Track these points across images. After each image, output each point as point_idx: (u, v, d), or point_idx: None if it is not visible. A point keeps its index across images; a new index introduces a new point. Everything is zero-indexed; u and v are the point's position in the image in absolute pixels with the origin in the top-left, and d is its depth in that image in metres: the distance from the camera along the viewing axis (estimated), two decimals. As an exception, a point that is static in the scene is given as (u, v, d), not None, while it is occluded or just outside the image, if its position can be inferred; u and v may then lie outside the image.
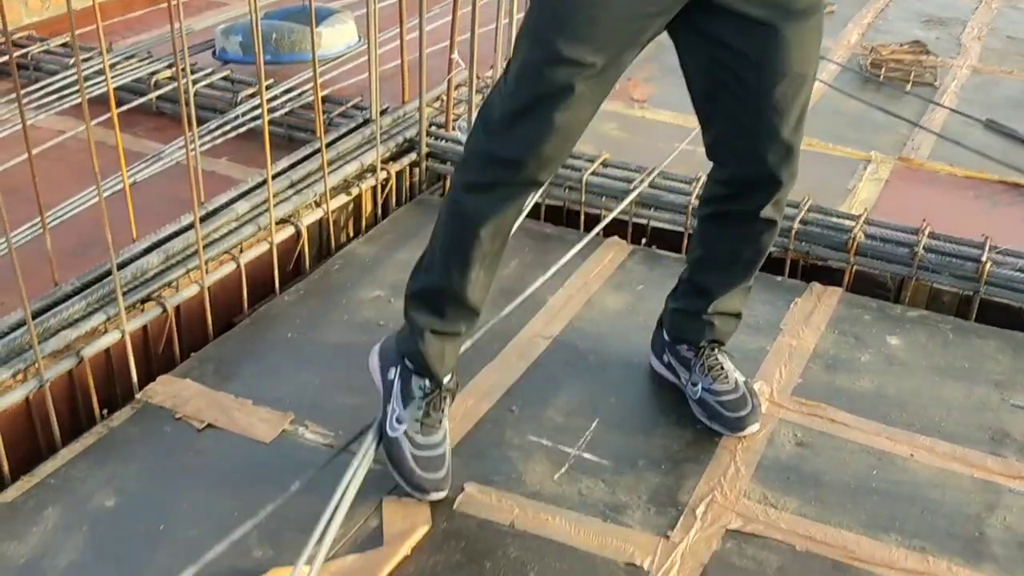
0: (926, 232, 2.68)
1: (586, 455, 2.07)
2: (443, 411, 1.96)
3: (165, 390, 2.24)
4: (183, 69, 2.61)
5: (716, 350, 2.15)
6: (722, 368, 2.12)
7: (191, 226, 2.54)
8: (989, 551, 1.86)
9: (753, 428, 2.08)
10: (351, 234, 3.04)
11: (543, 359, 2.35)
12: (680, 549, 1.84)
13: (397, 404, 1.97)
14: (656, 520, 1.91)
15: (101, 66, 3.62)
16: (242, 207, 2.69)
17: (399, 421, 1.95)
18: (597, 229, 2.78)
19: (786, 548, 1.85)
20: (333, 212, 2.89)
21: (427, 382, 1.94)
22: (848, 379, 2.31)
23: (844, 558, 1.83)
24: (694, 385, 2.14)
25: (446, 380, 1.97)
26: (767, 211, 1.92)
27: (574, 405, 2.19)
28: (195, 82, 3.58)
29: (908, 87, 3.96)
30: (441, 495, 1.91)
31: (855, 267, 2.71)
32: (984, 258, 2.58)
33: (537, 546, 1.85)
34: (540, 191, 2.08)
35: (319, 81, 2.74)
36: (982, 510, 1.95)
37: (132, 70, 3.68)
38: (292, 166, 2.90)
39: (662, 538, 1.87)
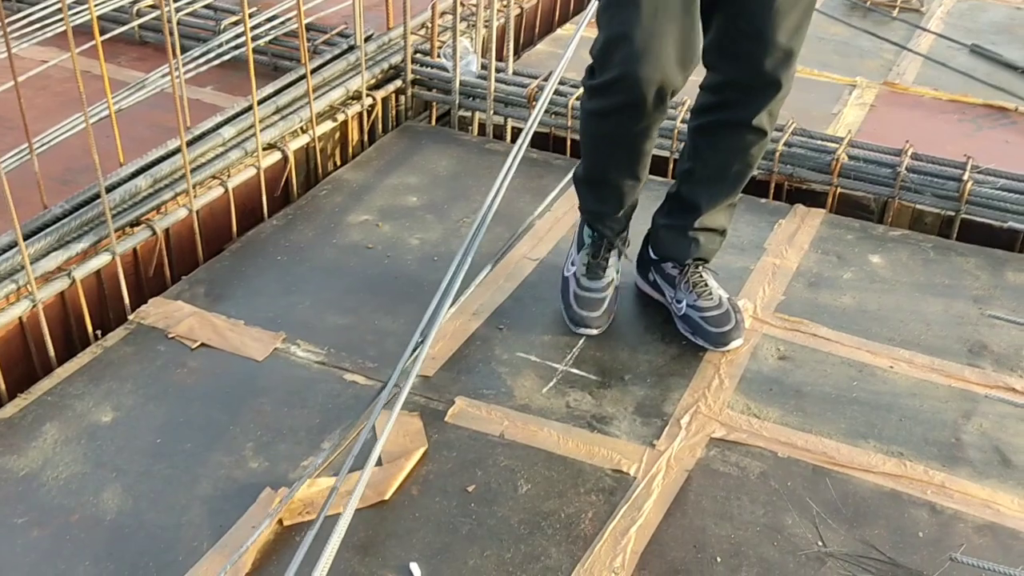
0: (908, 153, 2.71)
1: (573, 370, 2.11)
2: (607, 261, 2.19)
3: (157, 311, 2.26)
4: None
5: (701, 267, 2.18)
6: (706, 285, 2.16)
7: (178, 150, 2.55)
8: (965, 455, 1.92)
9: (736, 343, 2.13)
10: (338, 161, 3.05)
11: (530, 279, 2.38)
12: (665, 456, 1.89)
13: (574, 248, 2.26)
14: (642, 430, 1.96)
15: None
16: (228, 132, 2.69)
17: (572, 264, 2.23)
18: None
19: (768, 455, 1.91)
20: (320, 138, 2.89)
21: (595, 232, 2.18)
22: (830, 296, 2.35)
23: (824, 463, 1.89)
24: (679, 302, 2.18)
25: (610, 234, 2.18)
26: (760, 119, 1.93)
27: (561, 324, 2.22)
28: (177, 10, 3.55)
29: (895, 12, 3.96)
30: (590, 331, 2.16)
31: (838, 189, 2.74)
32: (966, 177, 2.61)
33: (526, 455, 1.89)
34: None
35: (303, 8, 2.72)
36: (958, 417, 2.01)
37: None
38: (278, 92, 2.89)
39: (647, 447, 1.92)
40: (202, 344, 2.17)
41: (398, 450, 1.88)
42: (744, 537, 1.74)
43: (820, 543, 1.73)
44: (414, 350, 2.04)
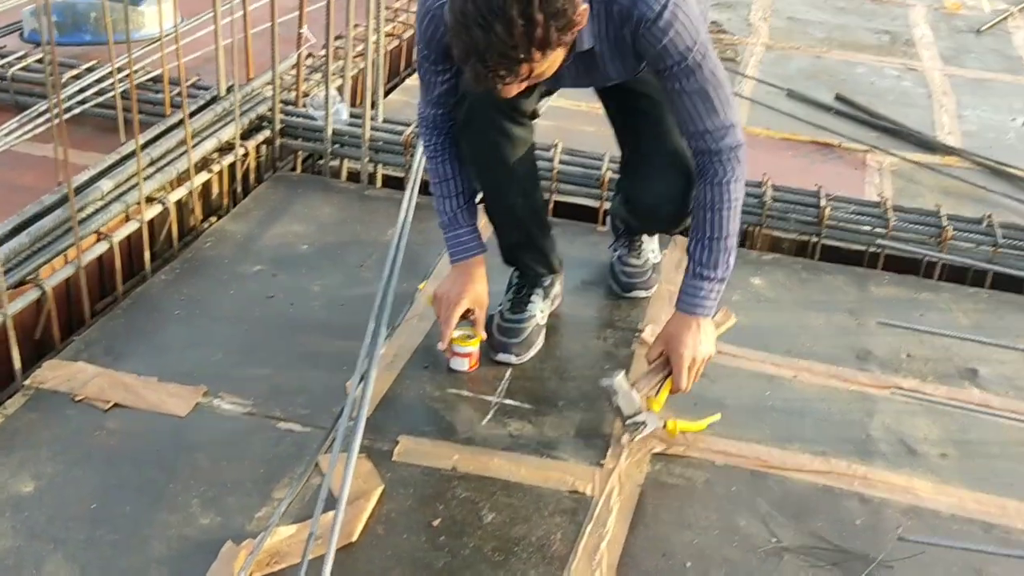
0: (769, 184, 2.94)
1: (508, 401, 2.14)
2: (529, 298, 2.32)
3: (56, 374, 2.12)
4: None
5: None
6: (642, 246, 2.52)
7: (55, 206, 2.41)
8: (877, 449, 2.09)
9: (638, 293, 2.51)
10: (211, 213, 2.96)
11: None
12: (616, 474, 1.95)
13: (504, 292, 2.37)
14: (587, 452, 2.02)
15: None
16: (107, 185, 2.56)
17: (499, 304, 2.33)
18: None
19: (708, 464, 2.01)
20: (194, 189, 2.80)
21: (517, 271, 2.37)
22: (726, 316, 2.50)
23: (760, 466, 2.01)
24: (614, 251, 2.57)
25: (530, 272, 2.35)
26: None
27: (485, 359, 2.25)
28: (10, 65, 3.36)
29: (716, 61, 4.27)
30: (510, 358, 2.26)
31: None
32: (823, 204, 2.87)
33: (483, 485, 1.91)
34: None
35: (145, 61, 2.64)
36: (863, 416, 2.19)
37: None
38: (150, 142, 2.78)
39: (596, 467, 1.97)
40: (115, 404, 2.05)
41: (354, 492, 1.85)
42: (706, 541, 1.82)
43: (774, 539, 1.84)
44: (359, 390, 2.01)
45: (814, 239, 2.90)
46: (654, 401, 2.05)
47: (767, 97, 3.99)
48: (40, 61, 3.43)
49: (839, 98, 4.04)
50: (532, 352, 2.29)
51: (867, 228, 2.86)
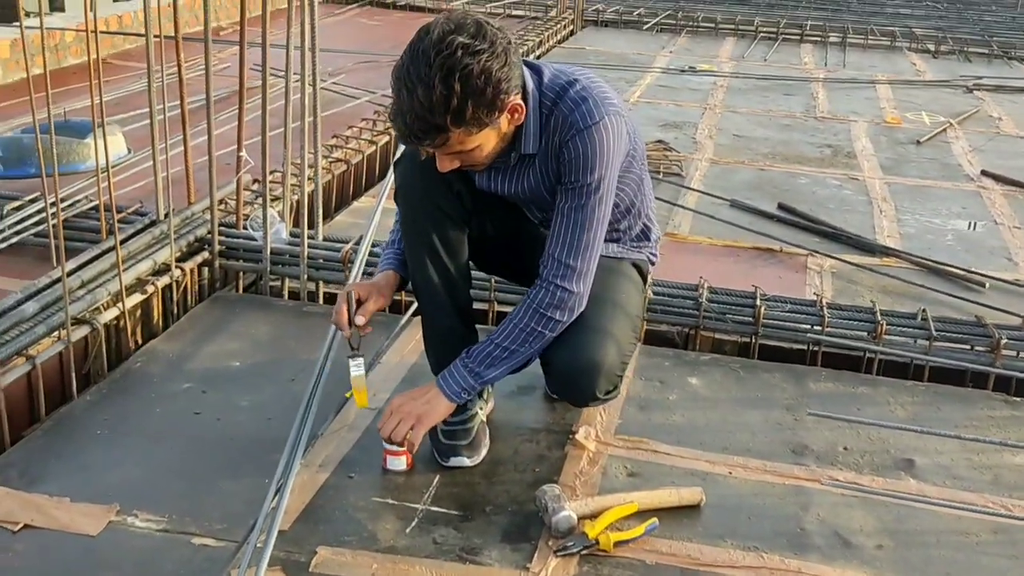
0: (705, 287, 2.96)
1: (434, 508, 2.09)
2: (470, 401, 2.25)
3: (-34, 498, 2.05)
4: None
5: None
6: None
7: (-23, 330, 2.39)
8: (811, 542, 2.04)
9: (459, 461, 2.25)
10: (145, 336, 2.93)
11: (372, 427, 2.35)
12: (541, 578, 1.89)
13: None
14: (513, 556, 1.95)
15: None
16: (31, 308, 2.54)
17: None
18: (413, 308, 2.84)
19: (638, 564, 1.94)
20: (129, 311, 2.78)
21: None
22: (662, 416, 2.48)
23: (691, 565, 1.95)
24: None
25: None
26: None
27: (414, 468, 2.20)
28: (-50, 198, 3.39)
29: (660, 176, 4.37)
30: (462, 461, 2.20)
31: (645, 324, 2.92)
32: (759, 303, 2.88)
33: (402, 595, 1.83)
34: None
35: (91, 190, 2.67)
36: (798, 510, 2.14)
37: None
38: (81, 266, 2.79)
39: (522, 571, 1.91)
40: (25, 526, 1.97)
41: (265, 607, 1.77)
42: (632, 644, 1.75)
43: (704, 639, 1.76)
44: (271, 504, 1.96)
45: (752, 339, 2.89)
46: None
47: (711, 208, 4.06)
48: (-20, 194, 3.46)
49: (781, 207, 4.11)
50: (483, 453, 2.25)
51: (804, 326, 2.86)
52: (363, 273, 2.95)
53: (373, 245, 3.07)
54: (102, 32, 5.84)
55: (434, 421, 2.14)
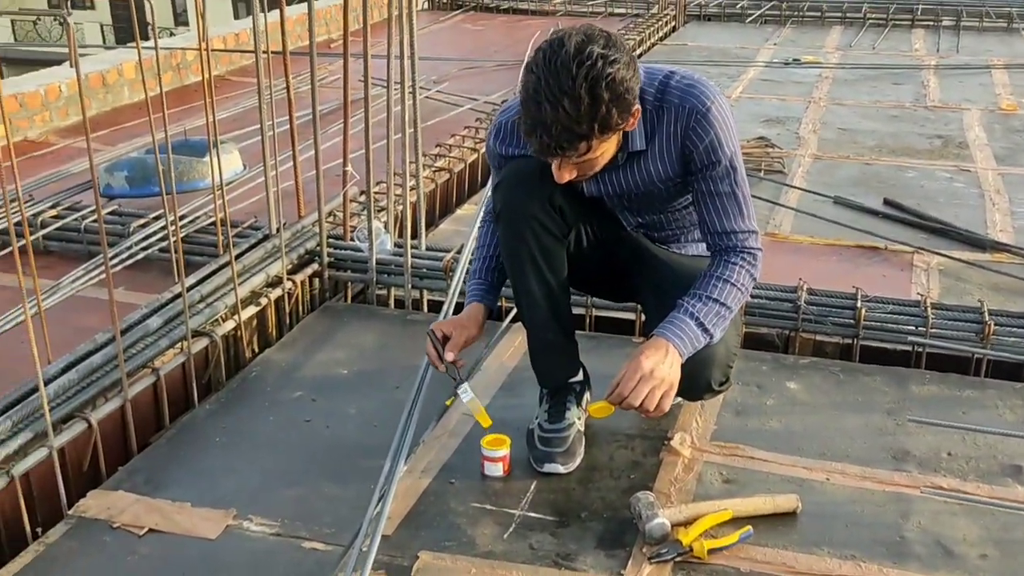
0: (804, 289, 2.94)
1: (531, 514, 2.15)
2: (565, 406, 2.31)
3: (98, 503, 2.21)
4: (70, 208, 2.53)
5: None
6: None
7: (104, 345, 2.55)
8: (911, 551, 2.02)
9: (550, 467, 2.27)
10: (260, 345, 3.08)
11: (474, 433, 2.42)
12: (635, 584, 1.93)
13: (538, 406, 2.40)
14: (607, 562, 2.00)
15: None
16: (155, 322, 2.71)
17: (535, 418, 2.36)
18: (513, 313, 2.91)
19: (732, 571, 1.97)
20: (244, 323, 2.93)
21: (543, 388, 2.39)
22: (758, 421, 2.48)
23: (786, 572, 1.96)
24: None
25: (559, 381, 2.36)
26: None
27: (519, 469, 2.27)
28: (83, 217, 3.61)
29: (761, 174, 4.33)
30: (556, 467, 2.25)
31: (744, 328, 2.92)
32: (859, 305, 2.84)
33: (499, 599, 1.90)
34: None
35: (210, 206, 2.82)
36: (898, 518, 2.12)
37: (15, 213, 3.67)
38: (200, 281, 2.94)
39: (616, 577, 1.95)
40: (149, 530, 2.12)
41: (370, 609, 1.86)
42: (725, 651, 1.77)
43: (798, 647, 1.77)
44: (375, 510, 2.05)
45: (854, 341, 2.86)
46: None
47: (813, 206, 4.00)
48: (112, 213, 3.68)
49: (887, 202, 4.03)
50: (577, 461, 2.30)
51: (907, 327, 2.82)
52: (462, 282, 3.03)
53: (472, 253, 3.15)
54: (214, 50, 6.10)
55: (676, 380, 2.11)
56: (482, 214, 2.46)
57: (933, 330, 2.78)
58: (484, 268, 2.40)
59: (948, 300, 3.06)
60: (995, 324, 2.74)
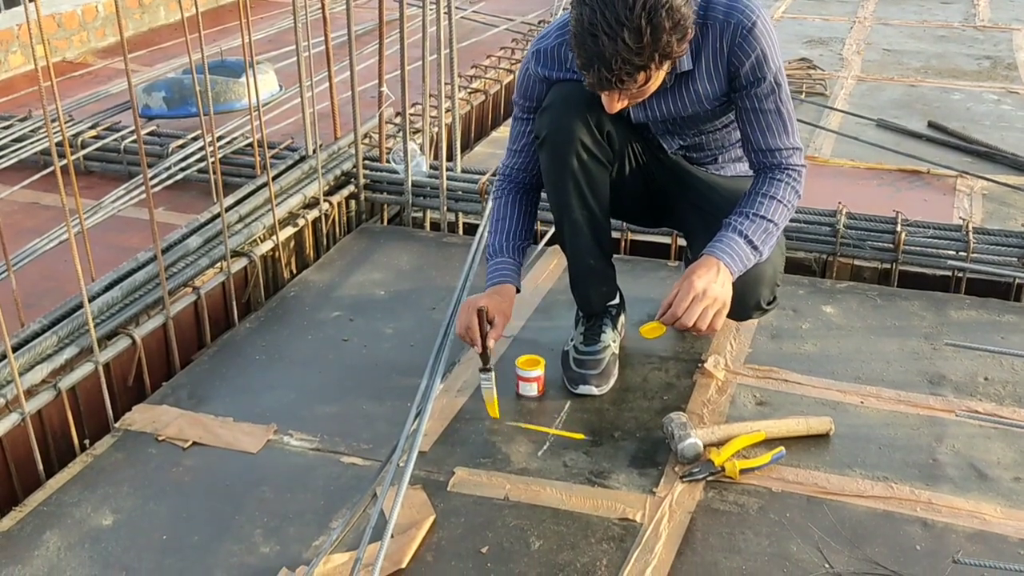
0: (844, 213, 2.90)
1: (565, 433, 2.17)
2: (600, 329, 2.34)
3: (143, 417, 2.27)
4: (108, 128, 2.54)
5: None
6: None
7: (145, 263, 2.59)
8: (944, 473, 2.03)
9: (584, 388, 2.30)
10: (298, 266, 3.11)
11: (508, 354, 2.45)
12: (667, 502, 1.95)
13: (573, 328, 2.42)
14: (640, 480, 2.03)
15: (22, 132, 3.66)
16: (195, 242, 2.74)
17: (570, 339, 2.39)
18: (548, 237, 2.91)
19: (763, 491, 1.99)
20: (282, 243, 2.96)
21: (581, 312, 2.40)
22: (793, 345, 2.48)
23: (817, 493, 1.98)
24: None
25: (597, 305, 2.37)
26: None
27: (546, 393, 2.30)
28: (122, 138, 3.63)
29: (803, 96, 4.25)
30: (591, 389, 2.28)
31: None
32: (899, 229, 2.81)
33: (533, 514, 1.94)
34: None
35: (247, 127, 2.82)
36: (932, 441, 2.13)
37: (56, 133, 3.70)
38: (238, 202, 2.97)
39: (648, 495, 1.98)
40: (194, 443, 2.17)
41: (407, 522, 1.91)
42: (755, 567, 1.80)
43: (827, 565, 1.80)
44: (412, 426, 2.09)
45: (893, 266, 2.84)
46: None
47: (855, 129, 3.93)
48: (151, 134, 3.70)
49: (931, 125, 3.96)
50: (611, 382, 2.32)
51: (948, 252, 2.78)
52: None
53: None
54: (251, -30, 6.03)
55: (728, 298, 2.09)
56: (498, 180, 2.39)
57: (974, 255, 2.75)
58: (509, 246, 2.33)
59: (991, 225, 3.01)
60: (1038, 249, 2.70)
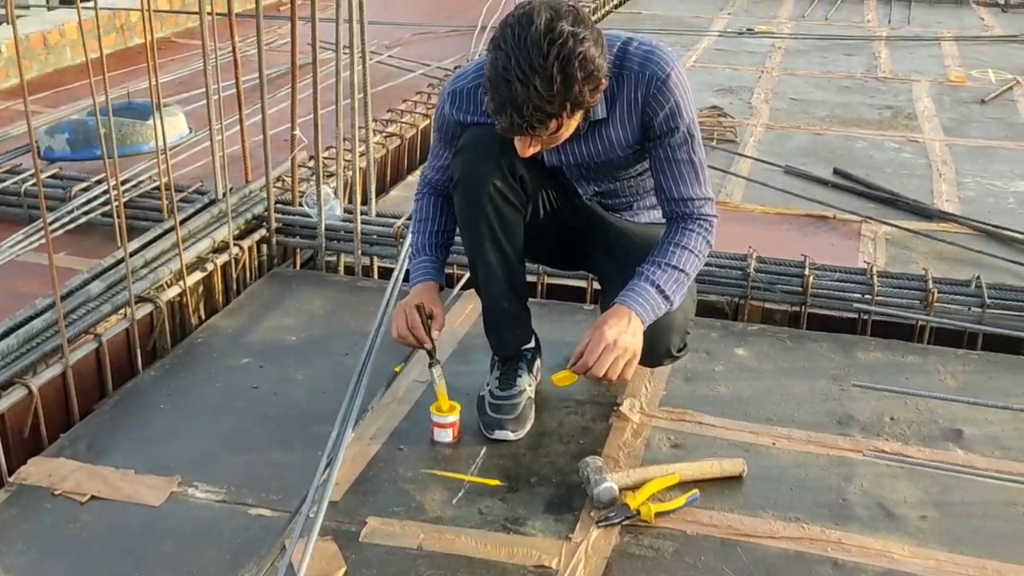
0: (754, 257, 2.96)
1: (480, 479, 2.14)
2: (516, 372, 2.33)
3: (39, 470, 2.17)
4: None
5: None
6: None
7: (46, 309, 2.50)
8: (853, 513, 2.05)
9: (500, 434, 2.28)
10: (207, 312, 3.03)
11: (423, 401, 2.42)
12: (583, 547, 1.94)
13: (488, 372, 2.40)
14: (556, 526, 2.00)
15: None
16: (97, 287, 2.66)
17: (486, 384, 2.37)
18: (464, 280, 2.90)
19: (678, 534, 1.98)
20: (190, 289, 2.88)
21: (496, 356, 2.39)
22: (707, 387, 2.50)
23: (731, 535, 1.98)
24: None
25: (511, 347, 2.36)
26: None
27: (462, 439, 2.26)
28: (23, 181, 3.52)
29: (714, 143, 4.34)
30: (507, 434, 2.25)
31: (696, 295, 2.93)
32: (807, 273, 2.87)
33: (448, 563, 1.90)
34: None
35: (155, 170, 2.76)
36: (841, 481, 2.15)
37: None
38: (144, 246, 2.89)
39: (564, 541, 1.96)
40: (92, 497, 2.08)
41: (317, 575, 1.85)
42: (670, 612, 1.79)
43: (742, 608, 1.80)
44: (322, 476, 2.03)
45: (802, 309, 2.89)
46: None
47: (764, 175, 4.02)
48: (53, 176, 3.59)
49: (837, 172, 4.07)
50: (527, 427, 2.30)
51: (853, 295, 2.85)
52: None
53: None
54: (157, 11, 5.96)
55: (639, 348, 2.10)
56: (420, 185, 2.40)
57: (879, 297, 2.82)
58: (430, 244, 2.35)
59: (894, 268, 3.10)
60: (938, 292, 2.78)
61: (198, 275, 2.94)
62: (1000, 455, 2.24)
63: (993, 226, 3.47)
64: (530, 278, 2.98)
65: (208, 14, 2.92)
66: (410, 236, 2.39)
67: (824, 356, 2.65)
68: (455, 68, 5.34)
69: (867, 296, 2.83)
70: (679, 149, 2.13)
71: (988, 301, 2.75)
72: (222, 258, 3.04)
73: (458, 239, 2.34)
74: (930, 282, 2.83)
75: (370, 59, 3.13)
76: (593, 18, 7.00)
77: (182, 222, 3.01)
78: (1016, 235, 3.40)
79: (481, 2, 6.23)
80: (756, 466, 2.18)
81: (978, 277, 2.86)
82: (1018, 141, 4.55)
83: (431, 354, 2.26)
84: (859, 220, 3.57)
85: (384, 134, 4.20)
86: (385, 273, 3.23)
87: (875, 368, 2.59)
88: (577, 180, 2.31)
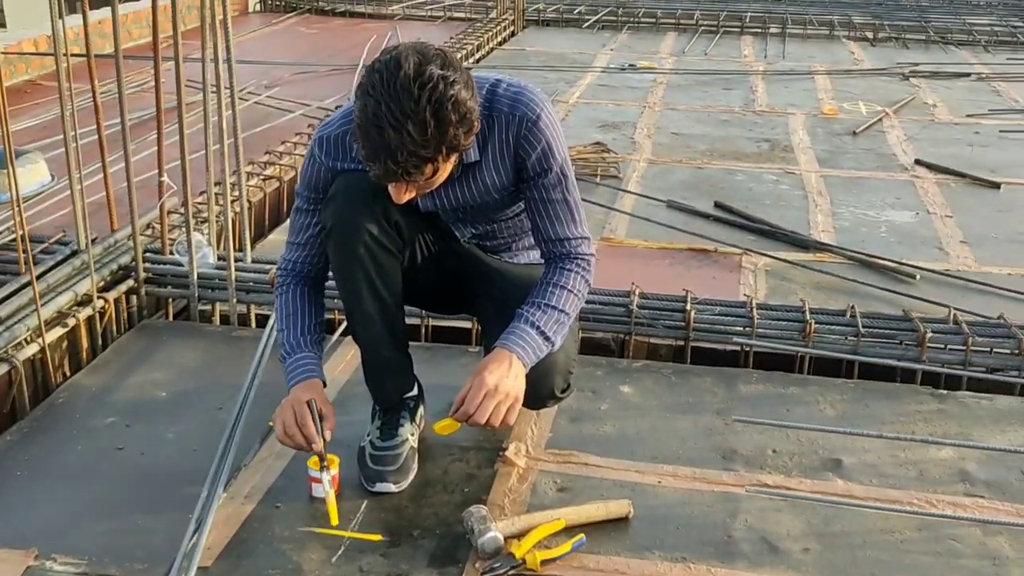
0: (637, 293, 2.96)
1: (361, 535, 2.06)
2: (398, 422, 2.26)
3: None
4: None
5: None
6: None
7: None
8: (738, 549, 2.04)
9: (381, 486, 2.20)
10: (72, 369, 2.87)
11: (300, 455, 2.31)
12: (467, 602, 1.87)
13: (369, 422, 2.32)
14: (439, 581, 1.93)
15: None
16: (-54, 348, 2.49)
17: (367, 435, 2.29)
18: (343, 327, 2.81)
19: (565, 581, 1.94)
20: (50, 346, 2.73)
21: (377, 405, 2.32)
22: (592, 427, 2.47)
23: (618, 580, 1.94)
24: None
25: (393, 397, 2.30)
26: None
27: (341, 491, 2.18)
28: None
29: (597, 179, 4.37)
30: (388, 487, 2.18)
31: (580, 333, 2.91)
32: (689, 307, 2.88)
33: (324, 628, 1.81)
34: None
35: (8, 224, 2.62)
36: (726, 517, 2.14)
37: None
38: None
39: (447, 596, 1.89)
40: (-63, 577, 1.93)
41: (184, 649, 1.74)
42: (557, 666, 1.73)
43: (630, 657, 1.75)
44: (190, 540, 1.92)
45: (685, 343, 2.90)
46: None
47: (647, 210, 4.06)
48: None
49: (718, 205, 4.13)
50: (410, 478, 2.23)
51: (735, 328, 2.87)
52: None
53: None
54: (7, 53, 5.74)
55: (521, 393, 2.06)
56: (279, 276, 2.26)
57: (758, 330, 2.85)
58: (305, 341, 2.20)
59: (774, 300, 3.14)
60: (815, 323, 2.83)
61: (59, 331, 2.78)
62: (878, 483, 2.26)
63: (866, 255, 3.57)
64: (413, 321, 2.92)
65: (64, 55, 2.79)
66: (277, 334, 2.23)
67: (708, 390, 2.65)
68: (336, 108, 5.27)
69: (747, 328, 2.86)
70: (553, 189, 2.11)
71: (862, 330, 2.80)
72: (85, 312, 2.89)
73: (331, 283, 2.26)
74: (807, 313, 2.87)
75: (248, 99, 3.04)
76: (476, 55, 7.06)
77: (41, 275, 2.87)
78: (886, 263, 3.49)
79: (363, 41, 6.19)
80: (642, 506, 2.15)
81: (852, 307, 2.92)
82: (888, 171, 4.71)
83: (322, 457, 2.07)
84: (740, 252, 3.62)
85: (262, 176, 4.10)
86: (263, 320, 3.12)
87: (758, 400, 2.61)
88: (454, 223, 2.27)
